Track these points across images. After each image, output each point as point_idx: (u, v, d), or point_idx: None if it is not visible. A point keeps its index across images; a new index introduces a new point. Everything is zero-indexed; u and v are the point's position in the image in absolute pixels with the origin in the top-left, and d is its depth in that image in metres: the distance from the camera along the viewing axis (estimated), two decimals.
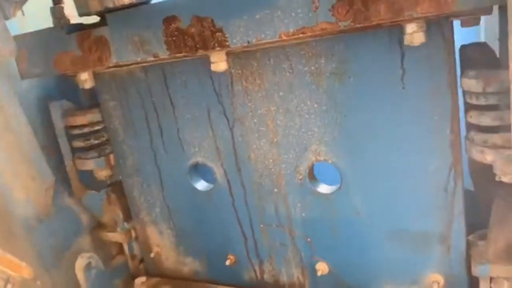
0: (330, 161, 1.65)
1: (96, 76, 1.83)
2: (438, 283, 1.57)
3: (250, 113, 1.74)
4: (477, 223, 1.57)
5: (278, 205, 1.82)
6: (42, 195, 1.83)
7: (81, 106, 2.12)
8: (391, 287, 1.69)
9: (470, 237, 1.53)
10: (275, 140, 1.72)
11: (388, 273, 1.68)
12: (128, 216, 2.24)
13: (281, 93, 1.65)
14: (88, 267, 2.09)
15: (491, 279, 1.47)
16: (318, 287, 1.84)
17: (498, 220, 1.43)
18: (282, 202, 1.80)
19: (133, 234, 2.25)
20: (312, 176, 1.74)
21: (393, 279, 1.68)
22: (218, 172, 1.89)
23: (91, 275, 2.11)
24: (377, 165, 1.57)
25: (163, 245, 2.18)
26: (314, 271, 1.81)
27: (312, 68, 1.57)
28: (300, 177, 1.73)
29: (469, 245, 1.53)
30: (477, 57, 1.39)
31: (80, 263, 2.07)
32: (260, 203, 1.85)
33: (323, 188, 1.73)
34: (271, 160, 1.77)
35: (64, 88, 2.13)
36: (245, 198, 1.88)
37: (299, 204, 1.77)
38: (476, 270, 1.47)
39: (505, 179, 1.31)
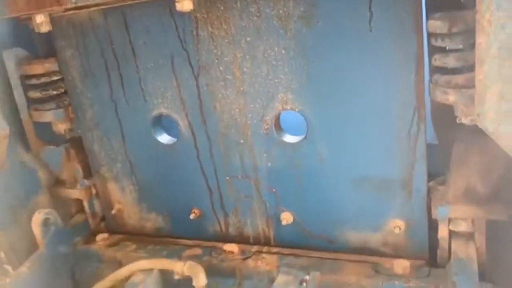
0: (296, 110, 1.64)
1: (53, 21, 1.72)
2: (400, 228, 1.61)
3: (216, 61, 1.69)
4: (438, 173, 1.61)
5: (243, 156, 1.80)
6: None
7: (37, 55, 2.01)
8: (354, 233, 1.72)
9: (431, 183, 1.57)
10: (242, 88, 1.69)
11: (351, 220, 1.71)
12: (88, 173, 2.17)
13: (248, 39, 1.62)
14: (46, 223, 2.01)
15: (449, 220, 1.52)
16: (282, 237, 1.85)
17: (457, 163, 1.48)
18: (248, 153, 1.79)
19: (94, 191, 2.18)
20: (278, 126, 1.73)
21: (356, 226, 1.70)
22: (182, 124, 1.85)
23: (49, 232, 2.03)
24: (342, 112, 1.57)
25: (125, 202, 2.13)
26: (278, 221, 1.81)
27: (280, 11, 1.54)
28: (266, 127, 1.72)
29: (429, 190, 1.57)
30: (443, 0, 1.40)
31: (37, 219, 1.98)
32: (226, 155, 1.83)
33: (289, 138, 1.73)
34: (237, 110, 1.74)
35: (19, 35, 2.01)
36: (210, 150, 1.85)
37: (265, 155, 1.76)
38: (436, 213, 1.52)
39: (465, 121, 1.34)
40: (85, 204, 2.19)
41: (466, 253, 1.49)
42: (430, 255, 1.62)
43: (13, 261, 2.04)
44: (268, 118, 1.69)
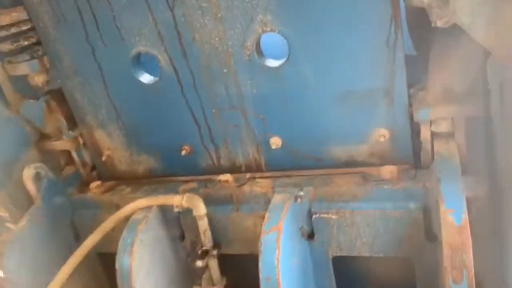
0: (277, 31, 1.65)
1: None
2: (384, 137, 1.68)
3: None
4: (417, 81, 1.68)
5: (228, 86, 1.82)
6: None
7: (3, 5, 1.94)
8: (341, 149, 1.79)
9: (411, 90, 1.64)
10: (219, 15, 1.68)
11: (338, 136, 1.77)
12: (73, 123, 2.16)
13: None
14: (37, 177, 2.02)
15: (431, 122, 1.60)
16: (273, 161, 1.91)
17: (435, 65, 1.54)
18: (233, 82, 1.80)
19: (81, 141, 2.18)
20: (259, 50, 1.74)
21: (343, 141, 1.77)
22: (163, 60, 1.84)
23: (42, 185, 2.05)
24: (321, 27, 1.58)
25: (114, 147, 2.14)
26: (268, 146, 1.86)
27: None
28: (248, 53, 1.73)
29: (410, 97, 1.63)
30: None
31: (27, 174, 1.99)
32: (210, 87, 1.84)
33: (272, 62, 1.75)
34: (217, 39, 1.73)
35: None
36: (194, 84, 1.86)
37: (249, 82, 1.78)
38: (418, 116, 1.60)
39: (440, 23, 1.38)
40: (74, 155, 2.20)
41: (448, 151, 1.58)
42: (415, 159, 1.71)
43: (16, 218, 2.07)
44: (249, 43, 1.70)
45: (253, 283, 2.12)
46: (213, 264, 1.84)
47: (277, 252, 1.49)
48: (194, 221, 1.85)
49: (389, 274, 1.84)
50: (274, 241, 1.51)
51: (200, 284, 1.86)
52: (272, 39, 1.71)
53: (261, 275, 1.51)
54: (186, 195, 1.79)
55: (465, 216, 1.32)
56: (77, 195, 2.15)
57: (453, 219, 1.32)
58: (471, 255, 1.27)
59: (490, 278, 1.48)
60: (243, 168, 1.99)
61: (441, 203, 1.37)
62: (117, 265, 1.71)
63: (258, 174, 1.93)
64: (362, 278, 1.93)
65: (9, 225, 3.75)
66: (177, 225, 1.95)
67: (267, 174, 1.92)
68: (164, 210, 1.89)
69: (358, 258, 1.80)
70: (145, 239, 1.76)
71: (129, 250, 1.70)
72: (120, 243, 1.73)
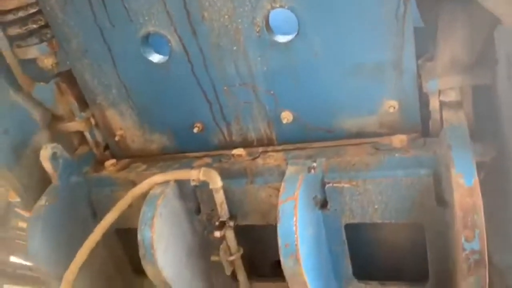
0: (286, 7, 1.67)
1: None
2: (394, 107, 1.73)
3: None
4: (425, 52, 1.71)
5: (238, 63, 1.85)
6: None
7: None
8: (351, 120, 1.84)
9: (420, 61, 1.67)
10: None
11: (348, 108, 1.82)
12: (84, 105, 2.19)
13: None
14: (54, 156, 2.06)
15: (439, 92, 1.65)
16: (284, 134, 1.96)
17: (443, 35, 1.57)
18: (243, 59, 1.83)
19: (93, 122, 2.22)
20: (269, 27, 1.76)
21: (353, 113, 1.82)
22: (173, 40, 1.86)
23: (59, 165, 2.09)
24: (331, 1, 1.61)
25: (126, 127, 2.18)
26: (279, 121, 1.91)
27: None
28: (257, 30, 1.75)
29: (419, 68, 1.67)
30: None
31: (45, 153, 2.03)
32: (221, 65, 1.87)
33: (281, 38, 1.77)
34: (226, 17, 1.75)
35: None
36: (204, 62, 1.88)
37: (259, 58, 1.81)
38: (426, 86, 1.64)
39: None
40: (87, 135, 2.24)
41: (457, 119, 1.63)
42: (423, 129, 1.77)
43: (28, 200, 2.12)
44: (258, 20, 1.72)
45: (268, 252, 2.21)
46: (230, 234, 1.91)
47: (294, 219, 1.56)
48: (210, 194, 1.92)
49: (399, 240, 1.93)
50: (291, 209, 1.57)
51: (218, 255, 1.93)
52: (281, 15, 1.73)
53: (280, 242, 1.58)
54: (203, 169, 1.84)
55: (475, 178, 1.39)
56: (92, 173, 2.19)
57: (464, 182, 1.39)
58: (482, 215, 1.33)
59: (498, 241, 1.55)
60: (255, 143, 2.04)
61: (452, 168, 1.43)
62: (139, 238, 1.78)
63: (270, 148, 1.99)
64: (374, 245, 2.02)
65: (19, 211, 3.83)
66: (193, 199, 2.01)
67: (279, 148, 1.97)
68: (181, 184, 1.95)
69: (369, 226, 1.88)
70: (164, 212, 1.83)
71: (149, 224, 1.77)
72: (140, 217, 1.80)
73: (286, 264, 1.59)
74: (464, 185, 1.39)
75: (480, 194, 1.37)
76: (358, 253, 1.92)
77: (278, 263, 2.33)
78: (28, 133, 2.14)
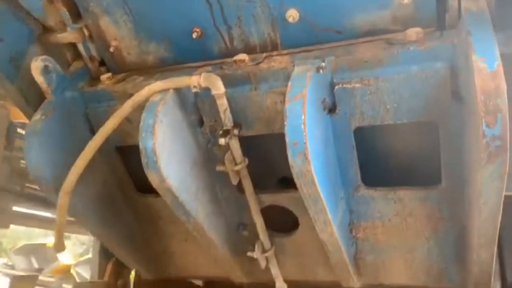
0: None
1: None
2: None
3: None
4: None
5: None
6: None
7: None
8: (362, 16, 1.71)
9: None
10: None
11: (358, 3, 1.68)
12: (76, 15, 2.04)
13: None
14: (46, 70, 1.95)
15: None
16: (290, 37, 1.84)
17: None
18: None
19: (86, 33, 2.07)
20: None
21: (364, 8, 1.68)
22: None
23: (52, 79, 1.99)
24: None
25: (121, 37, 2.05)
26: (284, 20, 1.78)
27: None
28: None
29: None
30: None
31: (35, 66, 1.92)
32: None
33: None
34: None
35: None
36: None
37: None
38: None
39: None
40: (80, 48, 2.11)
41: (477, 6, 1.51)
42: (439, 22, 1.65)
43: (30, 114, 2.05)
44: None
45: (274, 169, 2.16)
46: (235, 144, 1.84)
47: (303, 117, 1.48)
48: (212, 104, 1.83)
49: (411, 143, 1.86)
50: (300, 107, 1.49)
51: (223, 164, 1.87)
52: None
53: (287, 141, 1.50)
54: (203, 74, 1.73)
55: (498, 62, 1.29)
56: (88, 88, 2.09)
57: (486, 66, 1.29)
58: (506, 98, 1.25)
59: None
60: (258, 49, 1.91)
61: (472, 54, 1.33)
62: (140, 146, 1.70)
63: (275, 53, 1.87)
64: (384, 150, 1.96)
65: (21, 131, 3.80)
66: (195, 110, 1.93)
67: (284, 52, 1.85)
68: (181, 95, 1.85)
69: (379, 130, 1.80)
70: (165, 121, 1.74)
71: (151, 131, 1.68)
72: (141, 124, 1.71)
73: (294, 163, 1.52)
74: (486, 69, 1.29)
75: (503, 77, 1.27)
76: (368, 159, 1.85)
77: (284, 180, 2.30)
78: (24, 44, 2.03)
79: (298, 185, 1.60)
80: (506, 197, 1.44)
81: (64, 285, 8.80)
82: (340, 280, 2.19)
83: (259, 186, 2.08)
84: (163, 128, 1.73)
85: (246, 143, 1.91)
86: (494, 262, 1.82)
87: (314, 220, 1.76)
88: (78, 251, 11.94)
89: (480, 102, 1.27)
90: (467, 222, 1.78)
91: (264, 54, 1.87)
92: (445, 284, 2.07)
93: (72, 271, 9.92)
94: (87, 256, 9.68)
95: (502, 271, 2.33)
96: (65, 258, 10.82)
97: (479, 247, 1.70)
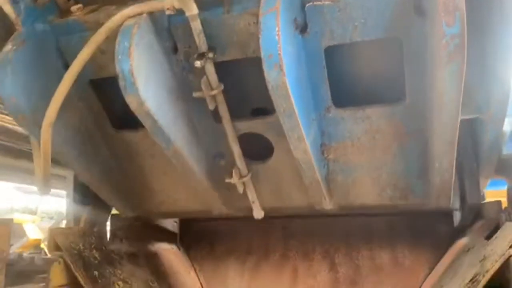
0: None
1: None
2: None
3: None
4: None
5: None
6: None
7: None
8: None
9: None
10: None
11: None
12: None
13: None
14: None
15: None
16: None
17: None
18: None
19: None
20: None
21: None
22: None
23: (21, 10, 1.96)
24: None
25: None
26: None
27: None
28: None
29: None
30: None
31: None
32: None
33: None
34: None
35: None
36: None
37: None
38: None
39: None
40: None
41: None
42: None
43: None
44: None
45: (248, 99, 2.23)
46: (210, 68, 1.89)
47: (276, 28, 1.54)
48: (186, 30, 1.86)
49: (377, 62, 1.96)
50: (273, 19, 1.54)
51: (200, 89, 1.92)
52: None
53: (263, 54, 1.57)
54: None
55: None
56: (59, 20, 2.07)
57: None
58: None
59: None
60: None
61: None
62: (117, 69, 1.73)
63: None
64: (352, 69, 2.05)
65: None
66: (169, 37, 1.95)
67: None
68: (155, 20, 1.87)
69: (348, 49, 1.89)
70: (141, 44, 1.77)
71: (127, 53, 1.71)
72: (116, 48, 1.73)
73: (270, 76, 1.60)
74: None
75: None
76: (337, 80, 1.94)
77: (257, 111, 2.37)
78: None
79: (273, 99, 1.67)
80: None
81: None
82: (313, 202, 2.32)
83: (235, 116, 2.14)
84: (138, 51, 1.76)
85: (221, 72, 1.96)
86: (453, 172, 1.98)
87: (288, 137, 1.85)
88: (47, 226, 11.85)
89: (440, 3, 1.36)
90: (429, 135, 1.91)
91: None
92: (410, 200, 2.23)
93: (42, 245, 9.86)
94: None
95: (463, 192, 2.50)
96: (33, 233, 10.75)
97: (441, 154, 1.85)
